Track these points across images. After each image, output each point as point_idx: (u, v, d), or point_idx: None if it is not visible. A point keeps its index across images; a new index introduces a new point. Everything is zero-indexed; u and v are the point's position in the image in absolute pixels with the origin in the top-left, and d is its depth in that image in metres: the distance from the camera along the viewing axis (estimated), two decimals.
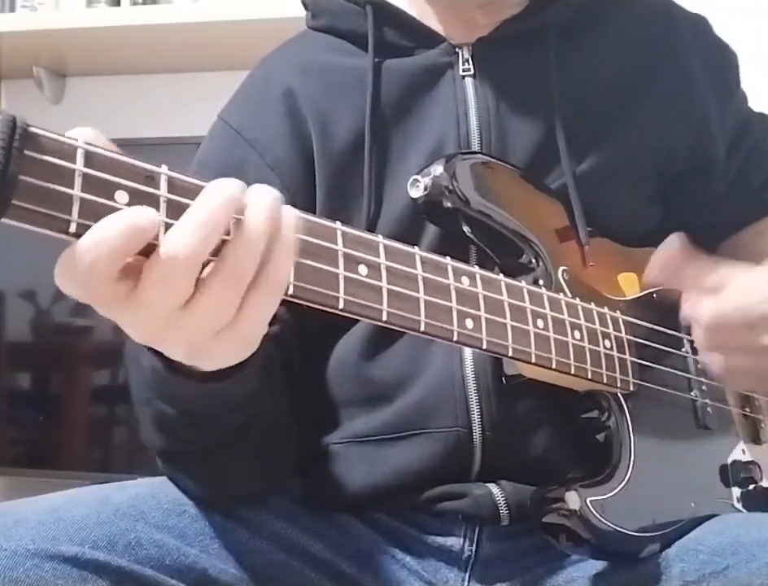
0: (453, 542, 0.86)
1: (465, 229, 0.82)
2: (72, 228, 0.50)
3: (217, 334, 0.55)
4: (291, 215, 0.56)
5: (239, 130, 0.92)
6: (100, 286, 0.51)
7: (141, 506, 0.79)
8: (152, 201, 0.52)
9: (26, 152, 0.48)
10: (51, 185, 0.49)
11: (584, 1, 0.93)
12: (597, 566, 0.81)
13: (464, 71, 0.90)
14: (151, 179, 0.53)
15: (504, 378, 0.83)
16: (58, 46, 1.91)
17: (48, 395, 1.97)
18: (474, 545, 0.85)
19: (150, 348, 0.62)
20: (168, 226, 0.52)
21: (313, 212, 0.87)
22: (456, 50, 0.91)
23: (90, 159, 0.50)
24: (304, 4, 1.00)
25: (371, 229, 0.86)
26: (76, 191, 0.50)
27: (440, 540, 0.86)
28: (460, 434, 0.83)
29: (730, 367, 0.79)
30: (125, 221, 0.50)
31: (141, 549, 0.75)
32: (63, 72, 2.05)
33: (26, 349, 1.94)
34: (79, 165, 0.50)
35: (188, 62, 1.94)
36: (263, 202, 0.55)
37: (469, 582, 0.85)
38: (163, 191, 0.53)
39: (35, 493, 0.81)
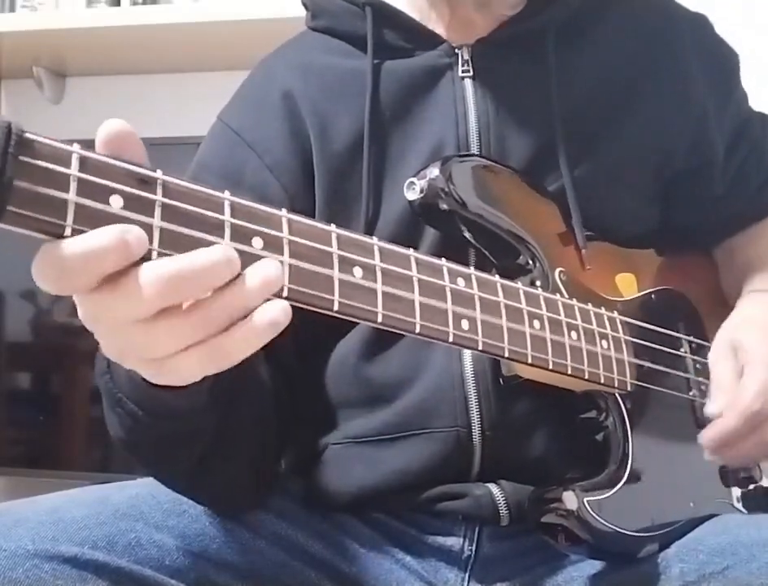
0: (453, 542, 0.86)
1: (462, 231, 0.82)
2: (68, 232, 0.50)
3: (146, 361, 0.54)
4: (277, 308, 0.53)
5: (239, 132, 0.92)
6: (74, 289, 0.51)
7: (140, 506, 0.79)
8: (147, 205, 0.52)
9: (21, 158, 0.48)
10: (46, 190, 0.49)
11: (583, 1, 0.93)
12: (597, 565, 0.81)
13: (463, 72, 0.90)
14: (146, 183, 0.53)
15: (501, 379, 0.83)
16: (58, 46, 1.91)
17: (48, 395, 1.97)
18: (474, 545, 0.85)
19: None
20: (163, 232, 0.52)
21: (312, 214, 0.88)
22: (456, 51, 0.91)
23: (85, 163, 0.50)
24: (304, 4, 1.00)
25: (370, 230, 0.86)
26: (71, 196, 0.50)
27: (440, 539, 0.86)
28: (460, 434, 0.83)
29: None
30: (114, 238, 0.49)
31: (140, 550, 0.75)
32: (63, 72, 2.05)
33: (26, 349, 1.94)
34: (74, 170, 0.50)
35: (188, 62, 1.94)
36: (261, 278, 0.53)
37: (468, 582, 0.85)
38: (158, 195, 0.53)
39: (35, 493, 0.81)
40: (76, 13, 1.85)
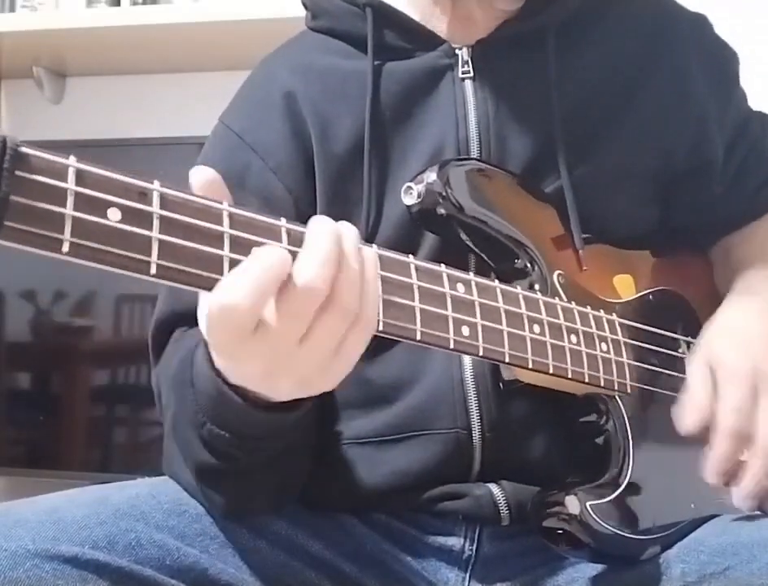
0: (454, 542, 0.86)
1: (460, 235, 0.82)
2: (65, 247, 0.50)
3: (322, 369, 0.59)
4: (372, 255, 0.61)
5: (241, 134, 0.92)
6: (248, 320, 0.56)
7: (141, 506, 0.79)
8: (145, 218, 0.52)
9: (17, 173, 0.48)
10: (43, 205, 0.49)
11: (582, 1, 0.93)
12: (598, 566, 0.81)
13: (463, 73, 0.90)
14: (144, 195, 0.53)
15: (501, 384, 0.83)
16: (58, 46, 1.91)
17: (48, 395, 1.97)
18: (475, 545, 0.85)
19: (217, 375, 0.65)
20: (162, 244, 0.53)
21: (315, 215, 0.88)
22: (456, 52, 0.91)
23: (82, 177, 0.51)
24: (304, 5, 1.00)
25: (371, 232, 0.87)
26: (69, 210, 0.50)
27: (441, 539, 0.86)
28: (460, 435, 0.83)
29: None
30: (278, 256, 0.55)
31: (141, 549, 0.75)
32: (63, 72, 2.05)
33: (26, 349, 1.94)
34: (71, 184, 0.50)
35: (188, 62, 1.94)
36: (354, 242, 0.60)
37: (469, 582, 0.85)
38: (155, 207, 0.53)
39: (35, 493, 0.81)
40: (76, 13, 1.84)
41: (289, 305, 0.56)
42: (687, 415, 0.80)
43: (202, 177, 0.58)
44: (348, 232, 0.60)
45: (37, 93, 2.00)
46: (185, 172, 0.94)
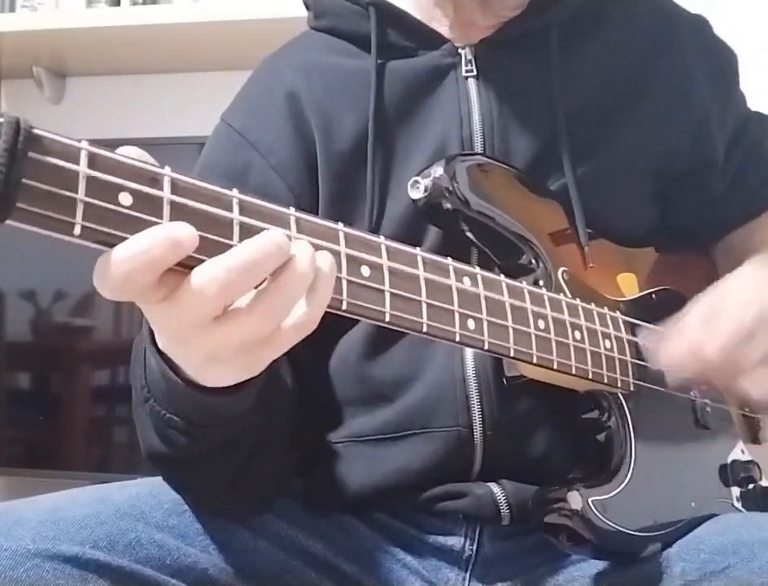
0: (454, 541, 0.86)
1: (465, 230, 0.82)
2: (77, 230, 0.50)
3: (239, 352, 0.56)
4: (328, 261, 0.57)
5: (243, 133, 0.92)
6: (135, 294, 0.52)
7: (141, 506, 0.79)
8: (155, 203, 0.52)
9: (30, 154, 0.48)
10: (55, 189, 0.49)
11: (585, 1, 0.93)
12: (598, 565, 0.81)
13: (466, 72, 0.90)
14: (155, 181, 0.53)
15: (504, 379, 0.83)
16: (58, 46, 1.91)
17: (48, 395, 1.97)
18: (475, 545, 0.85)
19: (160, 355, 0.63)
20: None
21: (317, 213, 0.88)
22: (459, 51, 0.91)
23: (94, 161, 0.50)
24: (306, 4, 1.00)
25: (374, 230, 0.86)
26: (80, 194, 0.49)
27: (441, 539, 0.86)
28: (461, 433, 0.83)
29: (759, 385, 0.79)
30: (165, 235, 0.50)
31: (141, 549, 0.75)
32: (63, 72, 2.05)
33: (26, 349, 1.94)
34: (83, 167, 0.50)
35: (188, 62, 1.94)
36: (309, 249, 0.55)
37: (469, 581, 0.85)
38: (166, 192, 0.53)
39: (35, 493, 0.81)
40: (76, 13, 1.84)
41: (191, 290, 0.52)
42: (675, 341, 0.79)
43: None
44: (303, 244, 0.56)
45: (37, 93, 2.00)
46: (184, 172, 0.94)
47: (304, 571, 0.84)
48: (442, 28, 0.93)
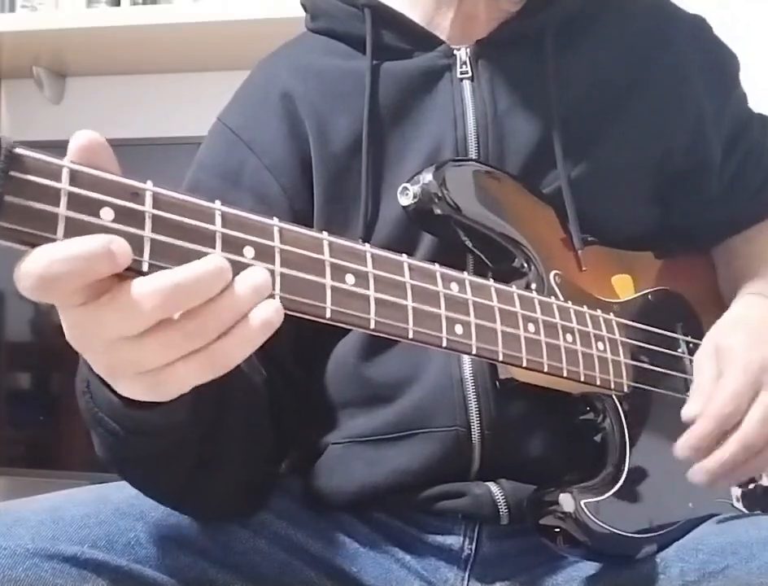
0: (453, 541, 0.86)
1: (457, 235, 0.82)
2: None
3: (135, 375, 0.54)
4: (271, 308, 0.54)
5: (238, 132, 0.92)
6: (56, 297, 0.51)
7: (140, 506, 0.79)
8: (137, 217, 0.53)
9: (11, 173, 0.49)
10: (37, 205, 0.49)
11: (581, 2, 0.93)
12: (597, 565, 0.81)
13: (461, 73, 0.90)
14: (136, 195, 0.53)
15: (497, 382, 0.83)
16: (59, 46, 1.91)
17: (48, 395, 1.97)
18: (474, 544, 0.85)
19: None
20: (153, 243, 0.52)
21: (311, 215, 0.88)
22: (454, 52, 0.91)
23: (75, 177, 0.51)
24: (303, 6, 1.00)
25: (369, 231, 0.87)
26: (62, 210, 0.50)
27: (440, 539, 0.86)
28: (459, 433, 0.83)
29: None
30: (99, 245, 0.49)
31: (140, 549, 0.75)
32: (63, 72, 2.05)
33: (26, 349, 1.94)
34: (64, 184, 0.50)
35: (188, 62, 1.94)
36: (251, 284, 0.53)
37: (468, 581, 0.85)
38: (148, 207, 0.53)
39: (35, 493, 0.81)
40: (76, 13, 1.85)
41: (122, 303, 0.51)
42: (692, 401, 0.79)
43: (82, 140, 0.52)
44: (254, 277, 0.54)
45: (37, 93, 2.00)
46: (184, 172, 0.94)
47: (304, 571, 0.84)
48: (441, 26, 0.93)
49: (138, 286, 0.51)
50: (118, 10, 1.85)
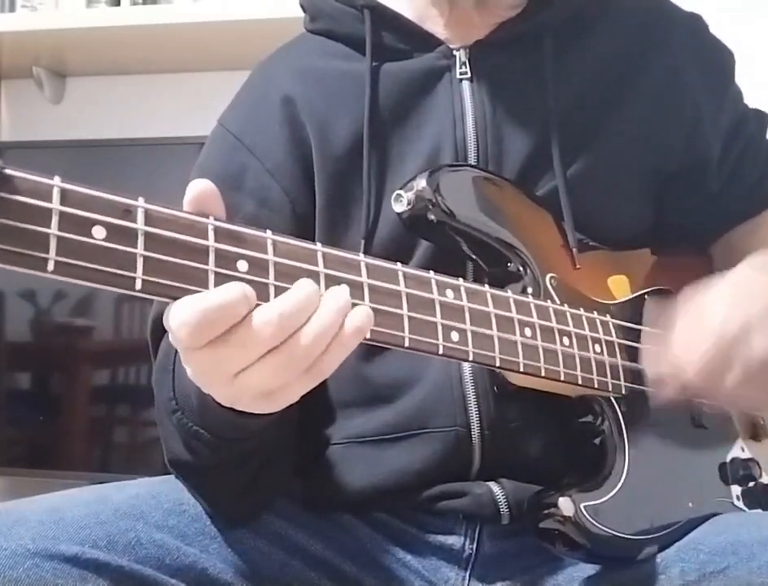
0: (454, 541, 0.86)
1: (452, 240, 0.82)
2: (50, 266, 0.50)
3: (259, 396, 0.59)
4: (362, 315, 0.59)
5: (239, 136, 0.92)
6: (207, 339, 0.56)
7: (141, 506, 0.79)
8: (129, 235, 0.53)
9: (1, 194, 0.49)
10: (27, 226, 0.49)
11: (580, 2, 0.93)
12: (597, 566, 0.81)
13: (461, 74, 0.90)
14: (128, 212, 0.53)
15: (495, 387, 0.83)
16: (59, 46, 1.91)
17: (48, 395, 1.97)
18: (475, 544, 0.85)
19: None
20: (146, 261, 0.54)
21: (313, 218, 0.88)
22: (454, 53, 0.91)
23: (66, 197, 0.51)
24: (302, 7, 1.00)
25: (371, 233, 0.87)
26: (53, 230, 0.50)
27: (441, 538, 0.86)
28: (459, 433, 0.83)
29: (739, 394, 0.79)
30: (241, 291, 0.55)
31: (141, 549, 0.75)
32: (63, 72, 2.05)
33: (26, 349, 1.94)
34: (55, 204, 0.50)
35: (188, 62, 1.94)
36: (337, 301, 0.58)
37: (469, 581, 0.85)
38: (140, 224, 0.53)
39: (35, 493, 0.81)
40: (76, 13, 1.85)
41: (237, 336, 0.56)
42: (658, 358, 0.79)
43: (198, 189, 0.57)
44: (338, 295, 0.59)
45: (37, 93, 2.00)
46: (184, 172, 0.94)
47: (304, 571, 0.84)
48: (437, 29, 0.93)
49: (254, 320, 0.56)
50: (118, 10, 1.84)
